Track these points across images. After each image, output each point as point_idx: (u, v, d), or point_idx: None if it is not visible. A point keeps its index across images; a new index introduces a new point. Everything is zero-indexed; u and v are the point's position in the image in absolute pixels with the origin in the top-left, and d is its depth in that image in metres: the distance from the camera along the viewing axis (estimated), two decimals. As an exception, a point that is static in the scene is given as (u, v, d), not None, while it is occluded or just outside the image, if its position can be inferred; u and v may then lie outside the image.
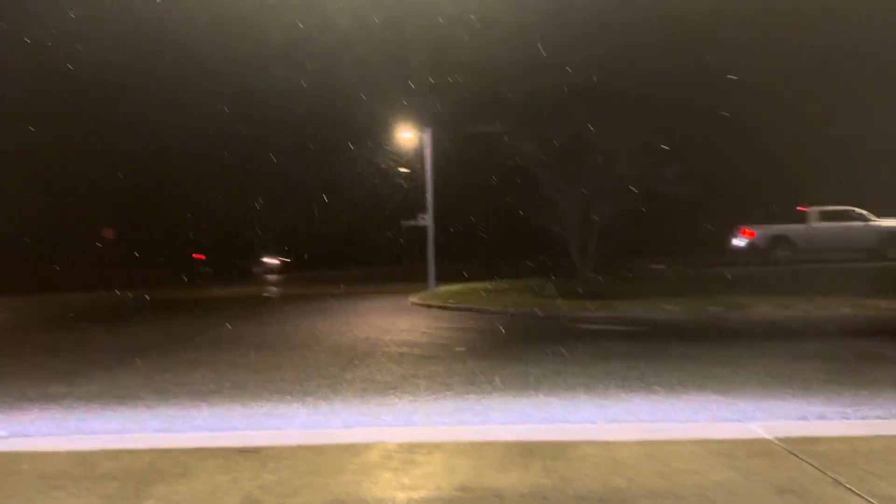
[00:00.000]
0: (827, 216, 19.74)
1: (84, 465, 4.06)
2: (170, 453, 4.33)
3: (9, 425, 5.56)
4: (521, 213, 22.69)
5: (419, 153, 22.92)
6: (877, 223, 19.42)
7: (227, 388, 6.99)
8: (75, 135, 33.29)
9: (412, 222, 23.11)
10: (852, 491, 3.52)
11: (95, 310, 20.01)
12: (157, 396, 6.63)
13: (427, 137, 21.64)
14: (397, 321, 13.79)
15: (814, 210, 19.87)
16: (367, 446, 4.53)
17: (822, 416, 5.25)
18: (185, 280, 32.69)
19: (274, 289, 27.33)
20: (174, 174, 37.73)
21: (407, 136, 22.88)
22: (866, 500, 3.42)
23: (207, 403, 6.28)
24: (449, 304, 16.62)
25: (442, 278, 22.11)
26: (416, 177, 24.16)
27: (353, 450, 4.44)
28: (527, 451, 4.32)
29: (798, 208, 20.09)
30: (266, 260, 40.58)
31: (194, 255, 43.56)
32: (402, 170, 25.84)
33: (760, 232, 19.92)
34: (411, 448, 4.44)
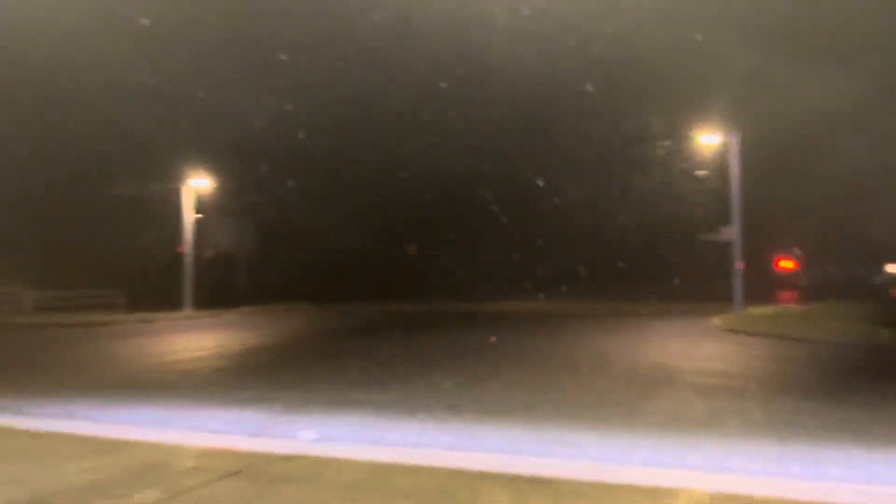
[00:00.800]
0: None
1: (380, 479, 4.19)
2: (460, 475, 4.30)
3: (318, 429, 6.06)
4: (861, 225, 19.85)
5: (720, 160, 21.32)
6: None
7: (517, 407, 6.95)
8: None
9: (712, 236, 21.54)
10: None
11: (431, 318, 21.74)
12: (449, 411, 6.79)
13: (734, 142, 20.07)
14: (698, 347, 12.84)
15: None
16: (671, 493, 4.07)
17: None
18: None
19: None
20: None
21: (709, 140, 21.44)
22: None
23: (497, 422, 6.27)
24: (759, 330, 15.09)
25: (748, 299, 20.28)
26: (712, 186, 22.56)
27: (654, 495, 4.02)
28: (883, 523, 3.53)
29: None
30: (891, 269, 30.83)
31: (776, 262, 34.00)
32: (700, 173, 24.21)
33: None
34: (727, 500, 3.89)
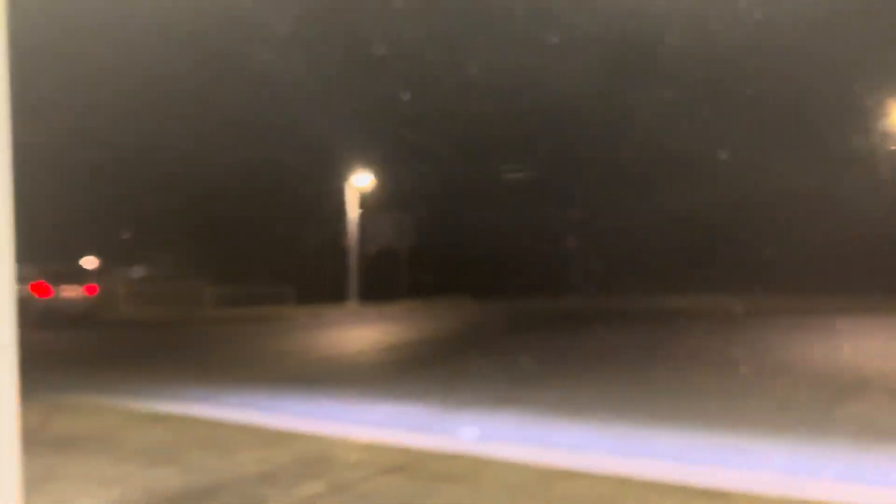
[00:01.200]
0: None
1: (542, 483, 4.10)
2: (627, 483, 4.11)
3: (479, 426, 6.07)
4: None
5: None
6: None
7: (689, 410, 6.60)
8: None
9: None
10: None
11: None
12: (614, 412, 6.57)
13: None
14: (898, 347, 11.65)
15: None
16: (873, 513, 3.67)
17: None
18: None
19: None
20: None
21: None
22: None
23: (667, 427, 5.98)
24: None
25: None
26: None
27: (853, 515, 3.64)
28: None
29: None
30: None
31: None
32: None
33: None
34: (943, 528, 3.44)
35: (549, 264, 36.11)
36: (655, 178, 36.07)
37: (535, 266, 35.49)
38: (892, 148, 22.09)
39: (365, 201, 30.28)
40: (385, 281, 30.84)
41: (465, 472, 4.32)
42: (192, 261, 28.96)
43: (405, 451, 4.81)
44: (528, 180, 36.51)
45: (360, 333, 16.69)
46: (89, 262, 22.80)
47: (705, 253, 33.93)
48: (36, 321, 15.72)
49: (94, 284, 20.02)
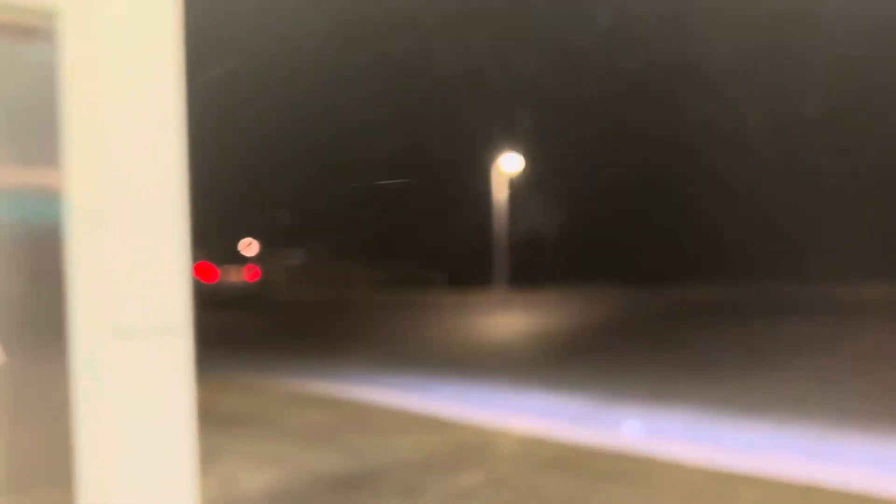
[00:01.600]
0: None
1: (720, 487, 3.85)
2: (818, 493, 3.78)
3: (645, 422, 5.83)
4: None
5: None
6: None
7: (881, 412, 6.01)
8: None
9: None
10: None
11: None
12: (795, 412, 6.11)
13: None
14: None
15: None
16: None
17: None
18: None
19: None
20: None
21: None
22: None
23: (859, 430, 5.47)
24: None
25: None
26: None
27: None
28: None
29: None
30: None
31: None
32: None
33: None
34: None
35: (715, 251, 34.42)
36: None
37: (698, 253, 34.00)
38: None
39: (513, 185, 30.21)
40: (533, 267, 30.65)
41: (633, 472, 4.14)
42: (346, 246, 30.14)
43: (564, 446, 4.69)
44: (683, 166, 34.97)
45: (511, 320, 16.67)
46: (248, 247, 24.21)
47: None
48: (201, 304, 16.85)
49: (256, 268, 21.23)
